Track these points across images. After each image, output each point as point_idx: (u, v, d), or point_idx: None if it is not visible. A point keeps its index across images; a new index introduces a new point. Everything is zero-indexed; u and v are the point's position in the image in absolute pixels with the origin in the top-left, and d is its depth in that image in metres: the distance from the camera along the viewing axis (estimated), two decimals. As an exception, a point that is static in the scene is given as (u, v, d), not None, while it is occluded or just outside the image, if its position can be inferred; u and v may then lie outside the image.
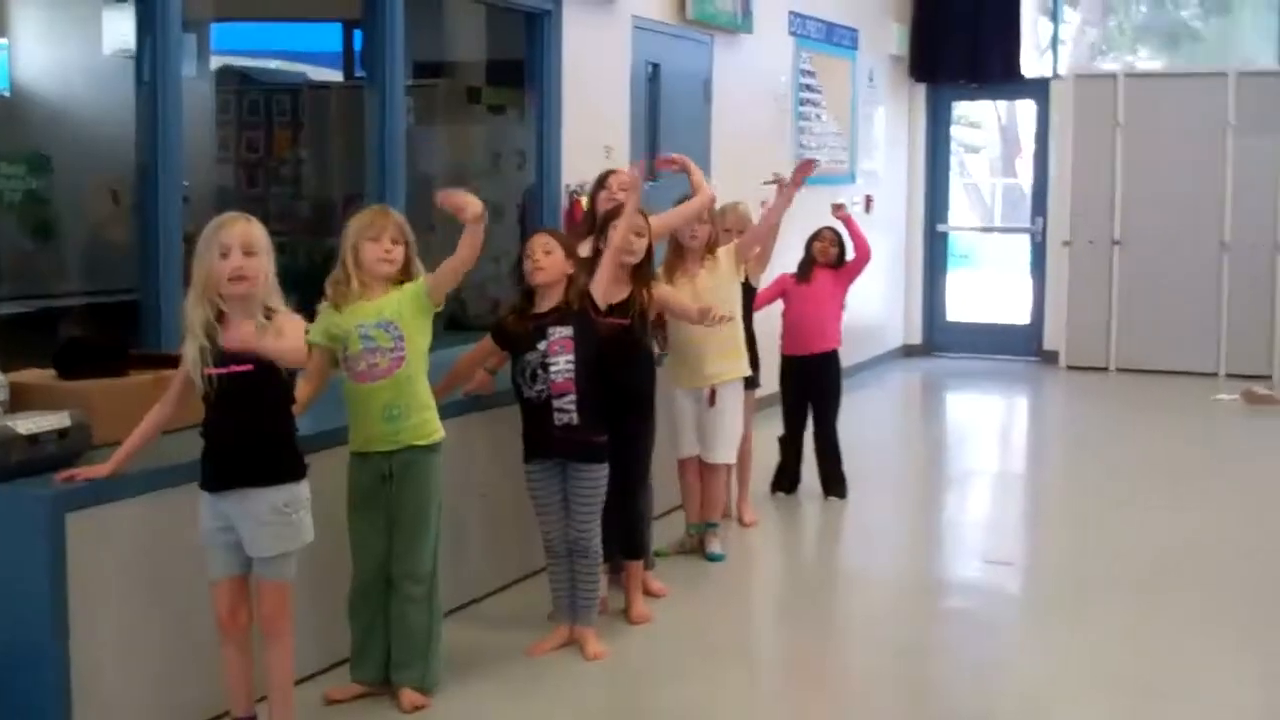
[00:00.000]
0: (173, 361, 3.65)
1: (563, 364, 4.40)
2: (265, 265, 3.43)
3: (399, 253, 3.98)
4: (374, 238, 3.97)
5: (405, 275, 4.02)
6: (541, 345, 4.41)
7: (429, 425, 4.06)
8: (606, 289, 4.58)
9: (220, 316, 3.44)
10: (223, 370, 3.42)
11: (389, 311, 3.98)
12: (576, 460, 4.50)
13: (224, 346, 3.41)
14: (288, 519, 3.51)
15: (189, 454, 3.61)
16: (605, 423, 4.53)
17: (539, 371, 4.42)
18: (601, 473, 4.54)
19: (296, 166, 7.87)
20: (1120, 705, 4.26)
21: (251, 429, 3.49)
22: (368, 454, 4.03)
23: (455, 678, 4.25)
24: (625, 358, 4.68)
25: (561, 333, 4.41)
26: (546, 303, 4.45)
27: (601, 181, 5.29)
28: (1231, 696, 4.37)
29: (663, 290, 4.99)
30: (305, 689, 4.03)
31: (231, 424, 3.48)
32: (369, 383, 3.96)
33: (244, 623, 3.61)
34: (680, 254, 5.43)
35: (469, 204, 3.93)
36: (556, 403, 4.42)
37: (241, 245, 3.39)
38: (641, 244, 4.75)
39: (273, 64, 8.68)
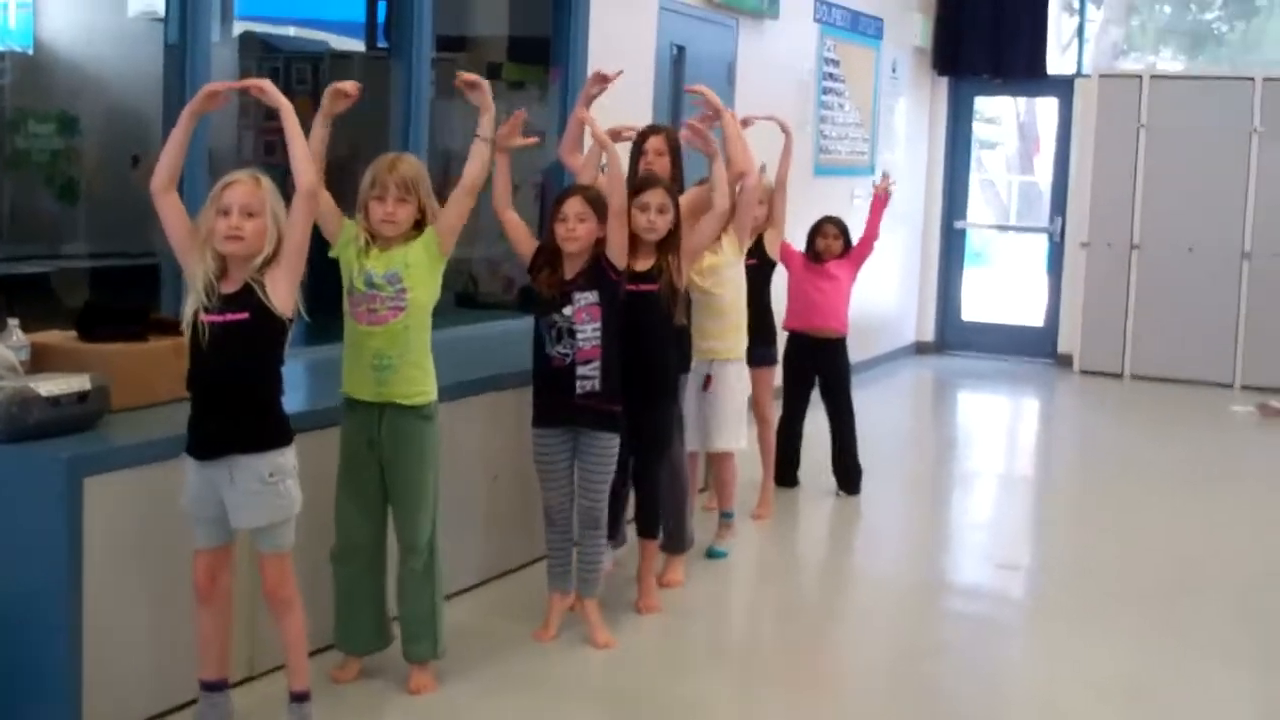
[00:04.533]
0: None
1: (590, 331, 4.35)
2: (265, 228, 3.40)
3: (404, 213, 3.88)
4: (379, 196, 3.89)
5: (420, 228, 3.93)
6: (568, 310, 4.35)
7: (418, 385, 3.96)
8: (621, 251, 4.46)
9: (225, 271, 3.43)
10: (218, 318, 3.40)
11: (398, 263, 3.90)
12: (591, 428, 4.44)
13: (221, 292, 3.40)
14: (274, 488, 3.48)
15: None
16: (622, 392, 4.47)
17: (565, 335, 4.36)
18: (614, 442, 4.48)
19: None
20: (1126, 712, 4.24)
21: (237, 388, 3.45)
22: (355, 403, 3.96)
23: (462, 662, 4.22)
24: (650, 327, 4.59)
25: (588, 299, 4.35)
26: (574, 267, 4.38)
27: (640, 144, 5.13)
28: (1237, 709, 4.36)
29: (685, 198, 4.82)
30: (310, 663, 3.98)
31: (218, 381, 3.44)
32: (364, 325, 3.89)
33: (223, 591, 3.61)
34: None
35: (479, 83, 3.83)
36: (581, 369, 4.36)
37: (241, 207, 3.38)
38: (664, 221, 4.63)
39: (295, 31, 8.61)
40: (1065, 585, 5.65)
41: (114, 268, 5.27)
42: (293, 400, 3.74)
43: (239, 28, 7.48)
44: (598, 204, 4.36)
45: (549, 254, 4.43)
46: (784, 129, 5.74)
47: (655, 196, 4.63)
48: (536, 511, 4.78)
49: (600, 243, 4.36)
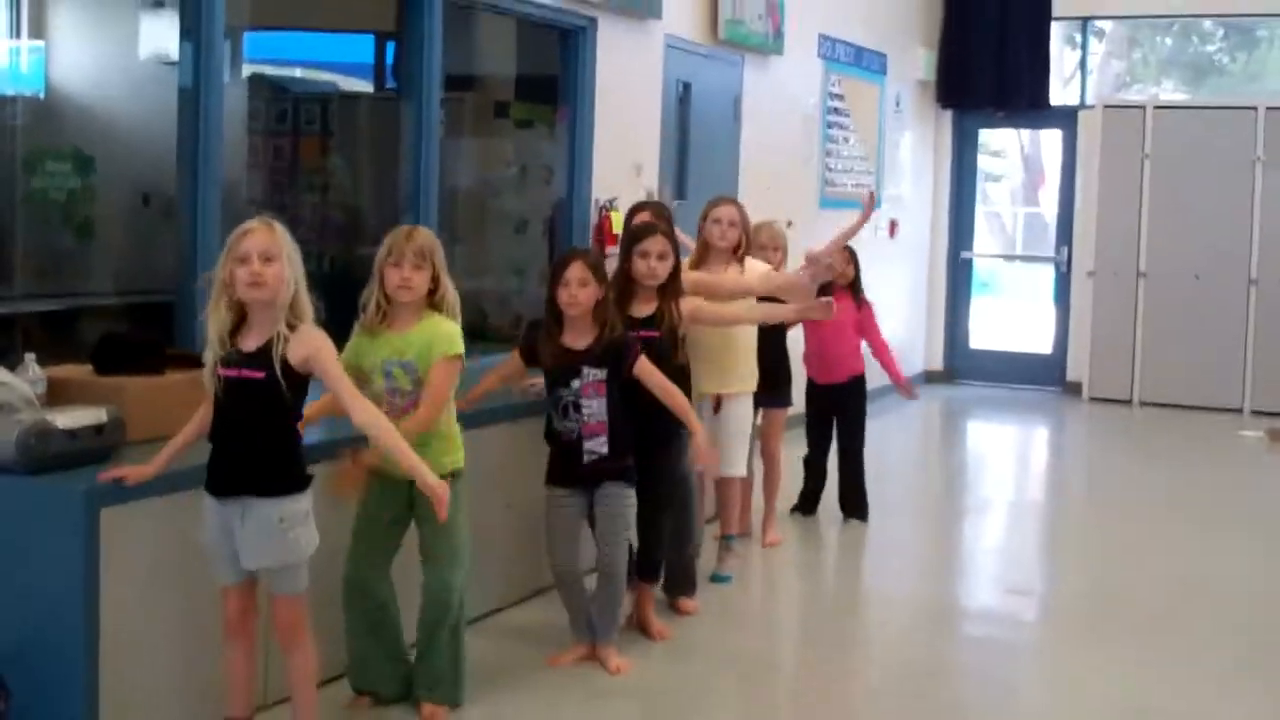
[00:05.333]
0: (207, 363, 3.65)
1: (595, 406, 4.41)
2: (284, 272, 3.41)
3: (419, 279, 3.92)
4: (395, 263, 3.93)
5: (434, 297, 3.98)
6: (575, 384, 4.40)
7: (448, 455, 4.00)
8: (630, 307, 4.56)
9: (243, 322, 3.46)
10: (234, 373, 3.43)
11: (413, 352, 3.95)
12: (605, 483, 4.49)
13: (242, 349, 3.43)
14: (283, 534, 3.49)
15: (219, 456, 3.60)
16: (635, 440, 4.52)
17: (571, 410, 4.42)
18: (629, 493, 4.53)
19: (325, 176, 7.88)
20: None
21: (253, 436, 3.48)
22: (386, 476, 3.97)
23: (477, 688, 4.25)
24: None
25: (595, 375, 4.40)
26: (577, 333, 4.42)
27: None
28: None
29: (694, 303, 4.91)
30: (322, 692, 4.00)
31: (234, 428, 3.47)
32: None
33: (250, 627, 3.62)
34: (706, 253, 5.41)
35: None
36: (587, 444, 4.43)
37: (260, 253, 3.39)
38: (665, 267, 4.72)
39: (303, 73, 8.70)
40: (1075, 610, 5.66)
41: (129, 304, 5.34)
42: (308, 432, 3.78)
43: (247, 70, 7.58)
44: (599, 269, 4.45)
45: (542, 333, 4.49)
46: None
47: (655, 244, 4.73)
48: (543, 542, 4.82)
49: (608, 313, 4.40)
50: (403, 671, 4.14)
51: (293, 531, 3.49)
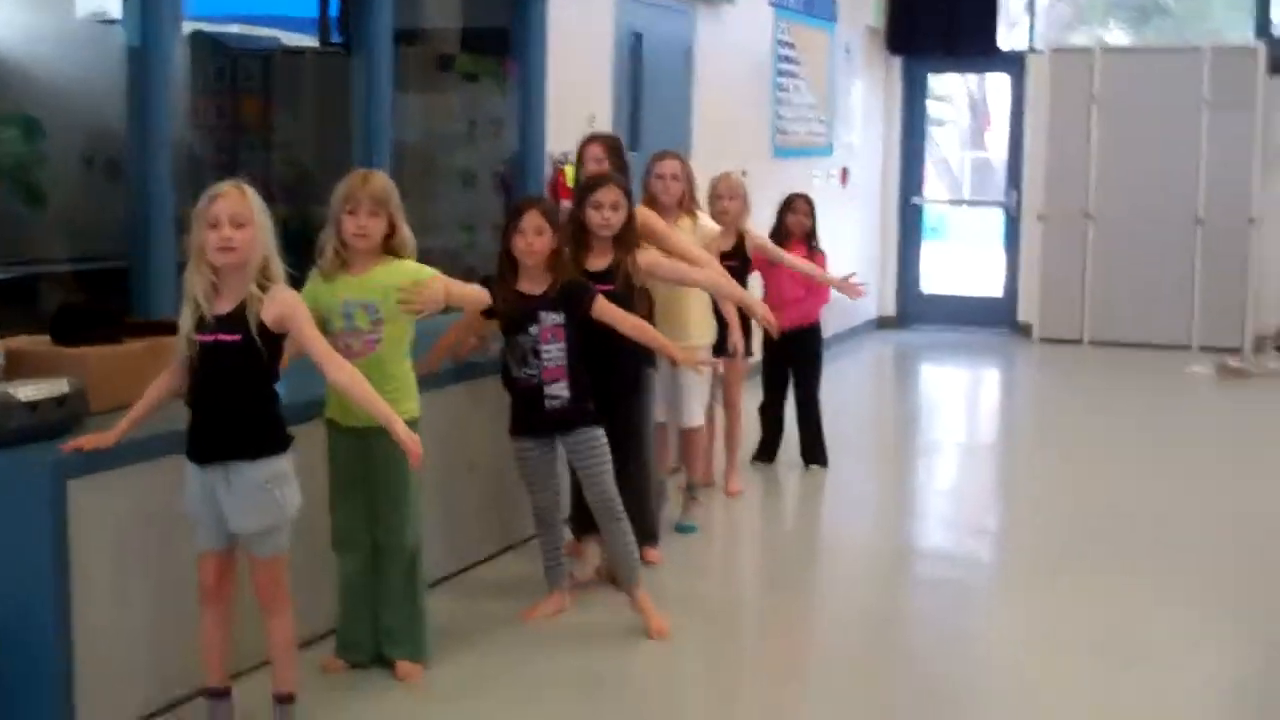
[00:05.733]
0: (168, 328, 3.62)
1: (555, 351, 4.39)
2: (256, 235, 3.40)
3: (375, 226, 3.91)
4: (351, 210, 3.91)
5: (390, 243, 3.96)
6: (533, 330, 4.39)
7: (401, 404, 3.94)
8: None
9: (215, 285, 3.43)
10: (210, 338, 3.41)
11: (374, 292, 3.93)
12: (573, 429, 4.48)
13: (215, 313, 3.40)
14: (270, 494, 3.48)
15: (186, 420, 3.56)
16: (593, 391, 4.50)
17: (530, 357, 4.40)
18: (600, 434, 4.51)
19: (269, 133, 7.78)
20: (1094, 671, 4.30)
21: (233, 400, 3.46)
22: (341, 426, 3.99)
23: (450, 645, 4.25)
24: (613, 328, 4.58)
25: (553, 319, 4.39)
26: (532, 281, 4.40)
27: (581, 153, 5.27)
28: (1202, 661, 4.45)
29: (651, 256, 4.86)
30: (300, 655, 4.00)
31: (213, 393, 3.45)
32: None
33: (228, 593, 3.60)
34: (652, 207, 5.35)
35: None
36: (548, 389, 4.41)
37: (230, 218, 3.37)
38: (618, 217, 4.68)
39: (244, 29, 8.55)
40: (1033, 548, 5.74)
41: (84, 271, 5.26)
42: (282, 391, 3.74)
43: (188, 27, 7.43)
44: (554, 216, 4.44)
45: (503, 266, 4.46)
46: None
47: (609, 194, 4.67)
48: (514, 497, 4.81)
49: (563, 262, 4.39)
50: (377, 635, 4.15)
51: (279, 490, 3.50)
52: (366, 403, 3.61)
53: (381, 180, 3.99)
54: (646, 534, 5.11)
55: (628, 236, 4.73)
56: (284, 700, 3.66)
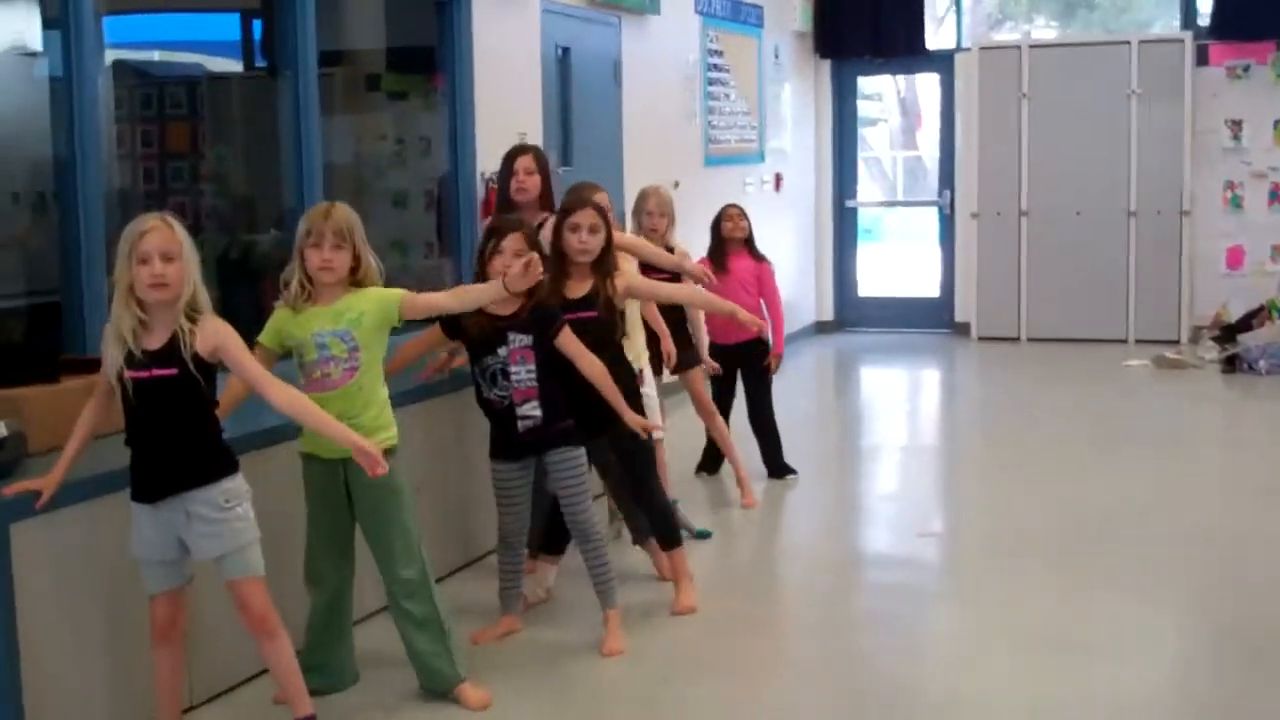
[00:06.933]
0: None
1: (524, 373, 4.34)
2: (185, 270, 3.37)
3: (340, 259, 3.87)
4: (315, 244, 3.88)
5: (356, 274, 3.92)
6: (502, 351, 4.33)
7: (381, 432, 3.93)
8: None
9: (143, 321, 3.38)
10: (144, 374, 3.36)
11: (347, 319, 3.89)
12: (549, 450, 4.43)
13: (145, 348, 3.36)
14: (231, 513, 3.46)
15: (125, 459, 3.52)
16: (568, 407, 4.44)
17: (499, 378, 4.35)
18: (578, 454, 4.47)
19: (199, 160, 7.67)
20: (1044, 665, 4.33)
21: (177, 433, 3.42)
22: (319, 458, 3.95)
23: (399, 671, 4.18)
24: (597, 353, 4.50)
25: (522, 341, 4.33)
26: (503, 302, 4.29)
27: (509, 164, 5.15)
28: (1147, 651, 4.52)
29: (626, 278, 4.77)
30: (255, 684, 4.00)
31: (155, 429, 3.41)
32: (321, 392, 3.85)
33: (179, 633, 3.58)
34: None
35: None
36: (520, 409, 4.37)
37: (160, 253, 3.34)
38: (596, 241, 4.59)
39: (167, 56, 8.43)
40: (981, 547, 5.76)
41: (11, 309, 5.17)
42: (236, 423, 3.78)
43: (110, 56, 7.31)
44: (534, 242, 4.37)
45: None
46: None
47: (586, 217, 4.59)
48: (464, 518, 4.79)
49: (537, 289, 4.30)
50: (350, 662, 4.15)
51: (240, 506, 3.49)
52: (316, 422, 3.58)
53: (344, 213, 3.94)
54: (672, 540, 5.00)
55: (606, 262, 4.65)
56: None
